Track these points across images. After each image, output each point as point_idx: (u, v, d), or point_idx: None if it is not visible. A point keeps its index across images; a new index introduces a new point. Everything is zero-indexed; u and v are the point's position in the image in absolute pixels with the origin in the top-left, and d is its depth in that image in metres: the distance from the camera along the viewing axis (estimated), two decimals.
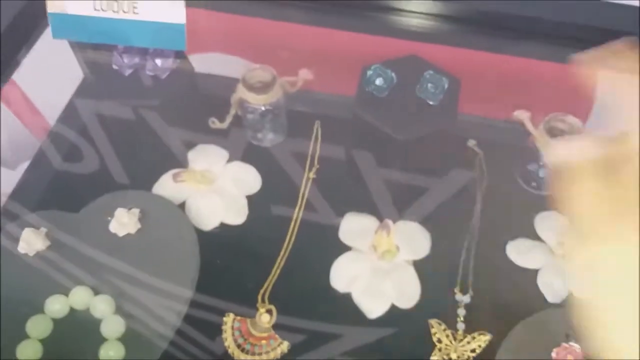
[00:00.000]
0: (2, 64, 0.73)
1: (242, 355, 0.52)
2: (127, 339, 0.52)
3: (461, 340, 0.54)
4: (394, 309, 0.56)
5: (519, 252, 0.59)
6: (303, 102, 0.71)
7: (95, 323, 0.53)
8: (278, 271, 0.58)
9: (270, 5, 0.80)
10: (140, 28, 0.69)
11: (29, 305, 0.53)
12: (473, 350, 0.53)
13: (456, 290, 0.57)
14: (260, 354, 0.53)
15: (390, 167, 0.65)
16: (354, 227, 0.61)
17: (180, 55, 0.74)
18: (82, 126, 0.69)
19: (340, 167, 0.67)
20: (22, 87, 0.75)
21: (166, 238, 0.58)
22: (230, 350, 0.53)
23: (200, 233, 0.59)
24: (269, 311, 0.55)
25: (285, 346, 0.53)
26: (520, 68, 0.76)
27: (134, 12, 0.68)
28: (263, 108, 0.64)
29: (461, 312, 0.55)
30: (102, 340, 0.52)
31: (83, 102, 0.72)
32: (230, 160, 0.66)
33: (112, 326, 0.52)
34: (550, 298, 0.56)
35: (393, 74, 0.65)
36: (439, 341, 0.54)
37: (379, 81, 0.65)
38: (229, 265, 0.59)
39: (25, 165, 0.67)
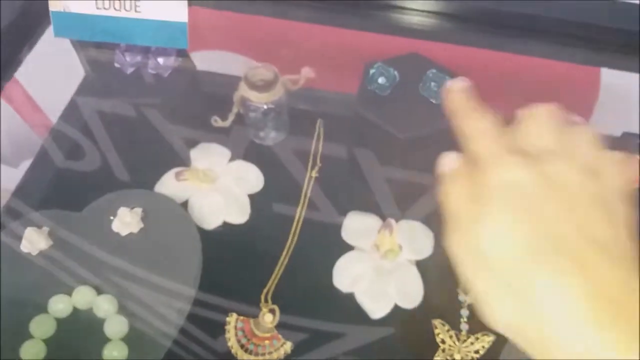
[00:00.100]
0: (4, 62, 0.72)
1: (245, 356, 0.52)
2: (131, 338, 0.52)
3: (465, 341, 0.54)
4: (397, 309, 0.56)
5: None
6: (305, 100, 0.71)
7: (99, 323, 0.52)
8: (281, 271, 0.58)
9: (272, 3, 0.80)
10: (142, 26, 0.69)
11: (32, 305, 0.53)
12: (477, 351, 0.53)
13: (459, 290, 0.57)
14: (263, 354, 0.53)
15: (393, 166, 0.65)
16: (357, 226, 0.61)
17: (182, 53, 0.73)
18: (84, 124, 0.69)
19: (343, 166, 0.67)
20: (24, 85, 0.75)
21: (169, 237, 0.58)
22: (233, 351, 0.53)
23: (202, 232, 0.59)
24: (271, 311, 0.55)
25: (288, 346, 0.53)
26: (523, 66, 0.76)
27: (136, 11, 0.68)
28: (265, 106, 0.64)
29: (464, 312, 0.55)
30: (106, 340, 0.52)
31: (85, 101, 0.71)
32: (232, 159, 0.66)
33: (116, 326, 0.52)
34: None
35: (396, 72, 0.65)
36: (443, 342, 0.54)
37: (381, 79, 0.65)
38: (232, 265, 0.59)
39: (27, 163, 0.67)
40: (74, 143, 0.68)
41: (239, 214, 0.62)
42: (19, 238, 0.56)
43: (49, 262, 0.56)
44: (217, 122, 0.68)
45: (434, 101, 0.64)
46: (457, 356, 0.53)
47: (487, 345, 0.53)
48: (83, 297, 0.53)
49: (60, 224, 0.58)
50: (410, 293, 0.56)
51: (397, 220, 0.60)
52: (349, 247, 0.59)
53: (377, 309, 0.56)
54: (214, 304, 0.55)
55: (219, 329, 0.54)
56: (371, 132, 0.64)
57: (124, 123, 0.70)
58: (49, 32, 0.71)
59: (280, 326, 0.54)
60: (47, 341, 0.52)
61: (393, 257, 0.58)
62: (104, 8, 0.69)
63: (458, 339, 0.54)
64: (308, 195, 0.63)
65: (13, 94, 0.74)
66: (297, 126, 0.68)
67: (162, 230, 0.58)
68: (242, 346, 0.53)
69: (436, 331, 0.54)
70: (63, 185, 0.65)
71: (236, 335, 0.54)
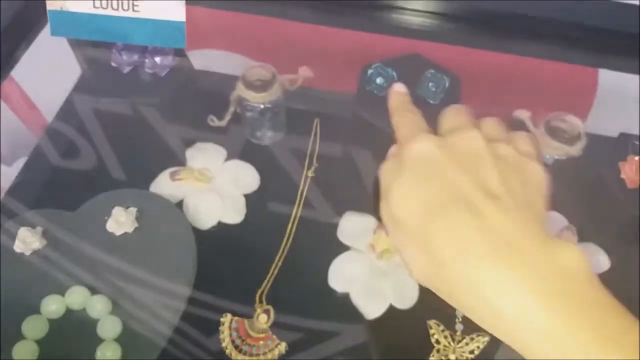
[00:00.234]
0: (1, 60, 0.72)
1: (240, 356, 0.52)
2: (124, 339, 0.52)
3: (460, 341, 0.54)
4: (392, 309, 0.55)
5: None
6: (303, 100, 0.70)
7: (92, 323, 0.52)
8: (276, 271, 0.58)
9: (270, 2, 0.80)
10: (139, 26, 0.69)
11: (24, 306, 0.53)
12: (472, 352, 0.53)
13: None
14: (257, 355, 0.52)
15: None
16: (353, 226, 0.60)
17: (179, 52, 0.73)
18: (80, 123, 0.69)
19: (340, 166, 0.66)
20: (20, 83, 0.75)
21: (163, 237, 0.58)
22: (227, 351, 0.52)
23: (197, 232, 0.59)
24: (266, 311, 0.55)
25: (282, 347, 0.53)
26: (522, 67, 0.76)
27: (134, 10, 0.68)
28: (262, 106, 0.63)
29: (459, 313, 0.55)
30: (99, 340, 0.51)
31: (81, 99, 0.71)
32: (228, 158, 0.65)
33: (109, 327, 0.52)
34: None
35: (394, 73, 0.65)
36: (438, 342, 0.54)
37: (379, 80, 0.65)
38: (227, 265, 0.58)
39: (22, 161, 0.67)
40: (69, 142, 0.67)
41: (235, 214, 0.61)
42: (12, 238, 0.56)
43: (42, 262, 0.55)
44: (213, 121, 0.68)
45: (432, 102, 0.64)
46: (452, 356, 0.53)
47: (482, 346, 0.53)
48: (76, 297, 0.53)
49: (54, 224, 0.58)
50: (405, 293, 0.56)
51: None
52: (344, 248, 0.59)
53: (372, 310, 0.55)
54: (209, 304, 0.55)
55: (213, 330, 0.54)
56: (368, 133, 0.64)
57: (119, 122, 0.69)
58: (46, 30, 0.71)
59: (275, 326, 0.54)
60: (39, 342, 0.52)
61: (389, 258, 0.57)
62: (102, 7, 0.69)
63: (453, 340, 0.54)
64: (304, 195, 0.63)
65: (9, 92, 0.73)
66: (294, 126, 0.68)
67: (157, 230, 0.58)
68: (236, 347, 0.53)
69: (431, 331, 0.54)
70: (58, 184, 0.65)
71: (230, 335, 0.53)
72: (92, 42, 0.73)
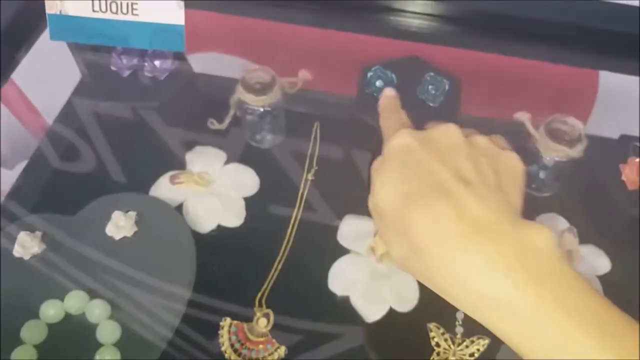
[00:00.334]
0: (1, 63, 0.72)
1: None
2: (123, 344, 0.52)
3: (460, 344, 0.53)
4: (392, 312, 0.55)
5: None
6: (302, 102, 0.70)
7: (91, 328, 0.52)
8: (276, 274, 0.58)
9: (270, 6, 0.79)
10: (139, 29, 0.69)
11: (23, 311, 0.53)
12: (472, 355, 0.53)
13: None
14: (257, 359, 0.52)
15: None
16: (353, 229, 0.60)
17: (179, 56, 0.73)
18: (80, 127, 0.69)
19: (340, 169, 0.66)
20: (20, 86, 0.75)
21: (163, 241, 0.58)
22: (227, 355, 0.52)
23: (197, 235, 0.59)
24: (266, 315, 0.54)
25: (282, 351, 0.53)
26: (521, 69, 0.75)
27: (133, 14, 0.68)
28: (262, 109, 0.63)
29: (460, 315, 0.55)
30: (98, 345, 0.51)
31: (81, 103, 0.71)
32: (228, 161, 0.65)
33: (108, 331, 0.52)
34: None
35: (393, 76, 0.65)
36: (438, 345, 0.53)
37: (379, 82, 0.65)
38: (226, 268, 0.58)
39: (22, 164, 0.67)
40: (69, 145, 0.67)
41: (234, 217, 0.61)
42: (11, 242, 0.56)
43: (42, 266, 0.55)
44: (213, 124, 0.67)
45: (431, 104, 0.64)
46: (452, 359, 0.53)
47: (482, 349, 0.53)
48: (75, 302, 0.53)
49: (53, 228, 0.58)
50: (405, 296, 0.56)
51: None
52: (344, 251, 0.59)
53: (372, 313, 0.55)
54: (208, 308, 0.55)
55: (212, 333, 0.54)
56: (368, 135, 0.63)
57: (119, 126, 0.69)
58: (46, 34, 0.71)
59: (275, 330, 0.54)
60: (38, 347, 0.51)
61: (389, 261, 0.57)
62: (101, 11, 0.68)
63: (453, 342, 0.53)
64: (304, 198, 0.63)
65: (10, 95, 0.73)
66: (293, 129, 0.68)
67: (157, 234, 0.58)
68: (235, 350, 0.53)
69: (431, 334, 0.54)
70: (58, 188, 0.65)
71: (230, 339, 0.53)
72: (92, 45, 0.73)
